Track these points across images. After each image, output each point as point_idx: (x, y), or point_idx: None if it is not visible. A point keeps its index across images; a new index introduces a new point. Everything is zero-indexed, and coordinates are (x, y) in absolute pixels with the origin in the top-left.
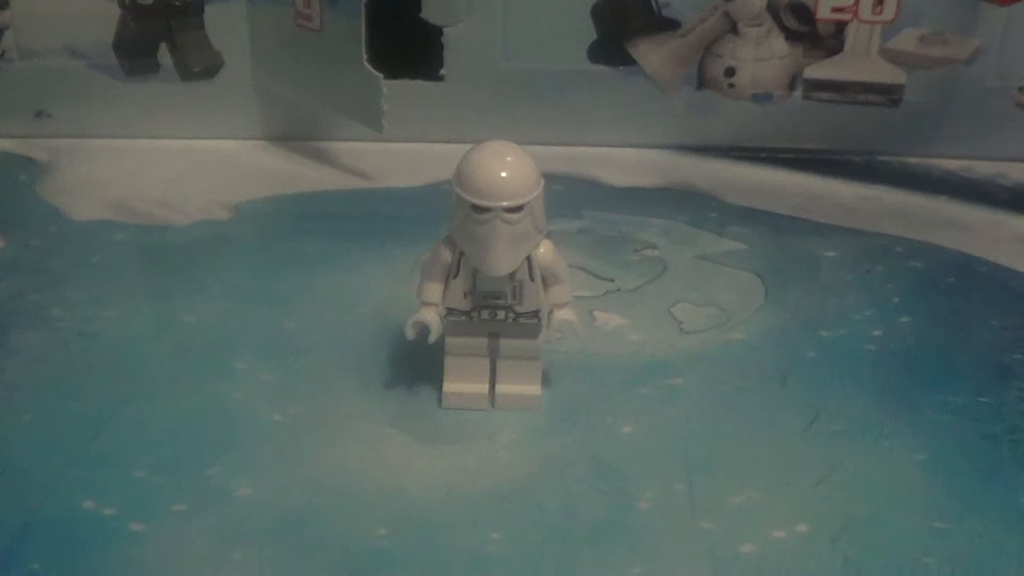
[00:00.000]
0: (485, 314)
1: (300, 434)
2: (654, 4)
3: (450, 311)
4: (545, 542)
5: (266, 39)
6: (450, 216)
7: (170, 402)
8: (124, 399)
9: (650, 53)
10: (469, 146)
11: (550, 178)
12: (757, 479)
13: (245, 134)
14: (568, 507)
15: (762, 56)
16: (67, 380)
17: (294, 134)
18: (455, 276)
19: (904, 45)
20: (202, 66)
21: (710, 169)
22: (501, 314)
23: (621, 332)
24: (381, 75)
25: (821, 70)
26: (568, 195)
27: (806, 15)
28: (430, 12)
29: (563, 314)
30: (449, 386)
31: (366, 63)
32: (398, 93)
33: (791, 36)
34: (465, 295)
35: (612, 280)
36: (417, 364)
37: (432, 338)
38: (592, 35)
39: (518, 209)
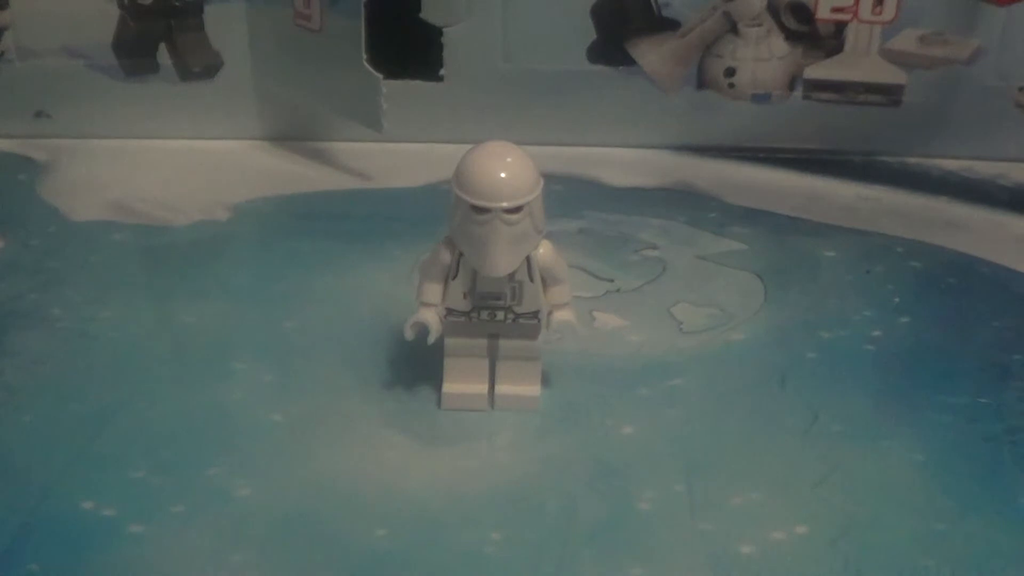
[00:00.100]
0: (484, 315)
1: (300, 434)
2: (654, 4)
3: (449, 312)
4: (545, 543)
5: (266, 39)
6: (449, 216)
7: (170, 402)
8: (124, 399)
9: (650, 53)
10: (469, 146)
11: (550, 178)
12: (757, 480)
13: (245, 134)
14: (568, 508)
15: (762, 56)
16: (67, 380)
17: (294, 134)
18: (454, 277)
19: (904, 45)
20: (202, 66)
21: (710, 169)
22: (500, 315)
23: (621, 333)
24: (381, 75)
25: (821, 70)
26: (568, 195)
27: (806, 15)
28: (430, 12)
29: (562, 315)
30: (448, 387)
31: (366, 63)
32: (398, 93)
33: (791, 36)
34: (464, 296)
35: (612, 280)
36: (416, 365)
37: (431, 339)
38: (592, 35)
39: (517, 210)
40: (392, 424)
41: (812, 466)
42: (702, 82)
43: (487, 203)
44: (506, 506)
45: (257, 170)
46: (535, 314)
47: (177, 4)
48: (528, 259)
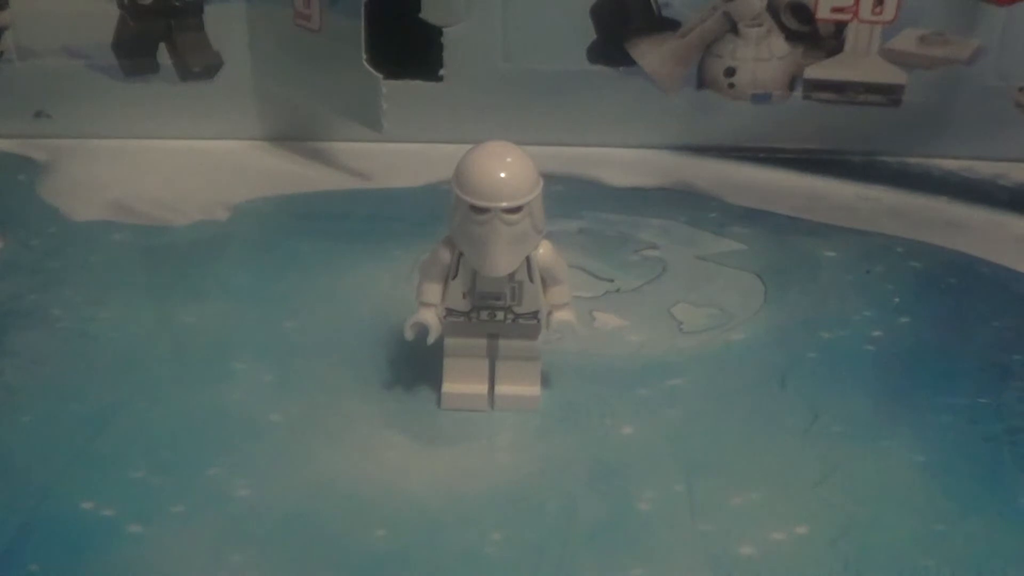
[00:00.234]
0: (484, 315)
1: (300, 434)
2: (654, 4)
3: (449, 312)
4: (545, 543)
5: (266, 39)
6: (449, 217)
7: (169, 402)
8: (124, 399)
9: (650, 53)
10: (469, 146)
11: (550, 178)
12: (756, 480)
13: (245, 134)
14: (568, 508)
15: (762, 56)
16: (66, 380)
17: (294, 134)
18: (454, 277)
19: (904, 45)
20: (201, 66)
21: (710, 169)
22: (500, 315)
23: (621, 333)
24: (380, 75)
25: (821, 70)
26: (568, 195)
27: (806, 15)
28: (430, 12)
29: (562, 315)
30: (448, 387)
31: (365, 63)
32: (398, 93)
33: (791, 36)
34: (464, 296)
35: (612, 280)
36: (416, 365)
37: (431, 339)
38: (592, 35)
39: (517, 210)
40: (392, 424)
41: (812, 466)
42: (702, 82)
43: (487, 203)
44: (506, 506)
45: (257, 170)
46: (535, 314)
47: (177, 4)
48: (528, 259)
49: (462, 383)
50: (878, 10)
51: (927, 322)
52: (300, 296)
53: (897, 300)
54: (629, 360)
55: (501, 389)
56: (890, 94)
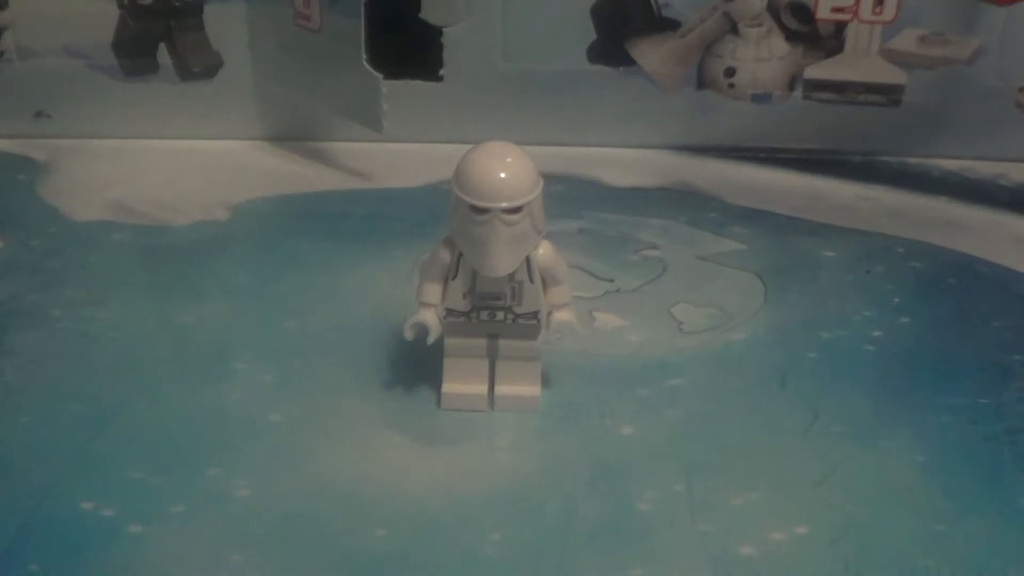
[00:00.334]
0: (484, 315)
1: (300, 434)
2: (654, 4)
3: (449, 312)
4: (545, 543)
5: (266, 39)
6: (449, 217)
7: (169, 403)
8: (123, 399)
9: (650, 53)
10: (469, 146)
11: (550, 178)
12: (756, 480)
13: (245, 134)
14: (568, 508)
15: (762, 56)
16: (66, 380)
17: (294, 134)
18: (454, 277)
19: (904, 45)
20: (201, 66)
21: (710, 169)
22: (500, 315)
23: (621, 333)
24: (380, 75)
25: (821, 70)
26: (568, 195)
27: (806, 15)
28: (430, 12)
29: (562, 315)
30: (448, 387)
31: (365, 63)
32: (398, 93)
33: (791, 36)
34: (464, 296)
35: (612, 280)
36: (416, 365)
37: (431, 339)
38: (592, 35)
39: (517, 210)
40: (392, 424)
41: (812, 466)
42: (702, 82)
43: (487, 203)
44: (506, 506)
45: (257, 170)
46: (535, 314)
47: (177, 4)
48: (528, 259)
49: (462, 383)
50: (878, 10)
51: (927, 322)
52: (300, 296)
53: (897, 300)
54: (629, 360)
55: (501, 389)
56: (890, 94)
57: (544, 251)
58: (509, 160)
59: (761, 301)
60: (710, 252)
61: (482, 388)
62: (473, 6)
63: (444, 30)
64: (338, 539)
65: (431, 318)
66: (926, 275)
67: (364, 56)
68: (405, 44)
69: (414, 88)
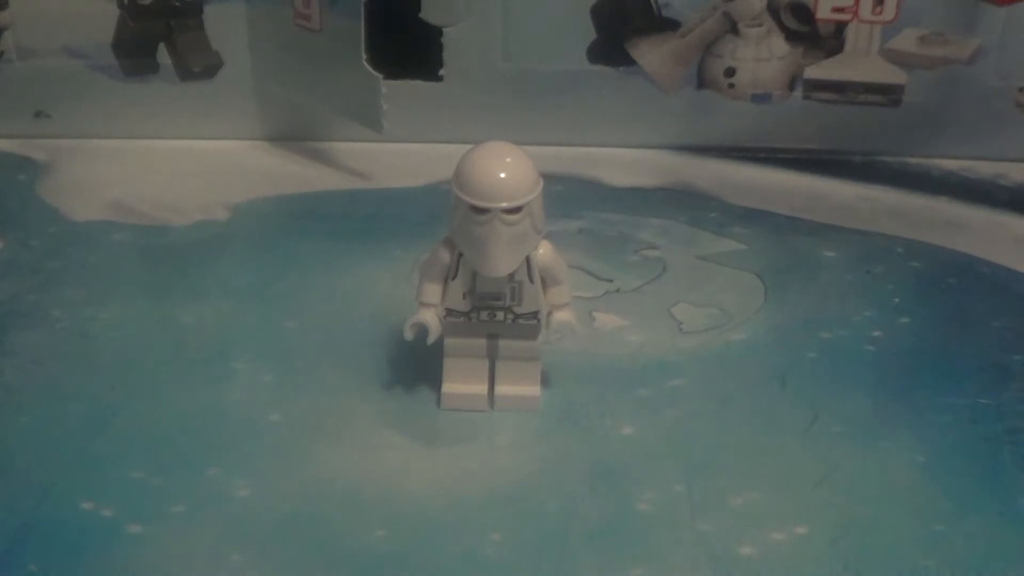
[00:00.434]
0: (484, 315)
1: (300, 434)
2: (654, 4)
3: (449, 312)
4: (545, 543)
5: (266, 39)
6: (449, 217)
7: (169, 403)
8: (123, 400)
9: (650, 53)
10: (469, 146)
11: (550, 178)
12: (756, 480)
13: (245, 134)
14: (567, 508)
15: (762, 56)
16: (66, 380)
17: (294, 134)
18: (454, 277)
19: (904, 45)
20: (201, 66)
21: (710, 169)
22: (500, 315)
23: (621, 333)
24: (380, 75)
25: (821, 70)
26: (568, 195)
27: (806, 15)
28: (430, 12)
29: (562, 315)
30: (448, 387)
31: (365, 63)
32: (398, 93)
33: (791, 36)
34: (464, 296)
35: (612, 280)
36: (416, 365)
37: (431, 339)
38: (592, 35)
39: (517, 210)
40: (392, 424)
41: (812, 466)
42: (702, 82)
43: (487, 203)
44: (506, 507)
45: (257, 170)
46: (535, 314)
47: (177, 4)
48: (528, 259)
49: (462, 383)
50: (878, 10)
51: (927, 322)
52: (300, 296)
53: (897, 300)
54: (629, 360)
55: (501, 389)
56: (890, 94)
57: (544, 251)
58: (509, 160)
59: (761, 301)
60: (710, 252)
61: (482, 388)
62: (473, 6)
63: (444, 30)
64: (338, 539)
65: (431, 318)
66: (926, 275)
67: (364, 56)
68: (405, 44)
69: (414, 88)
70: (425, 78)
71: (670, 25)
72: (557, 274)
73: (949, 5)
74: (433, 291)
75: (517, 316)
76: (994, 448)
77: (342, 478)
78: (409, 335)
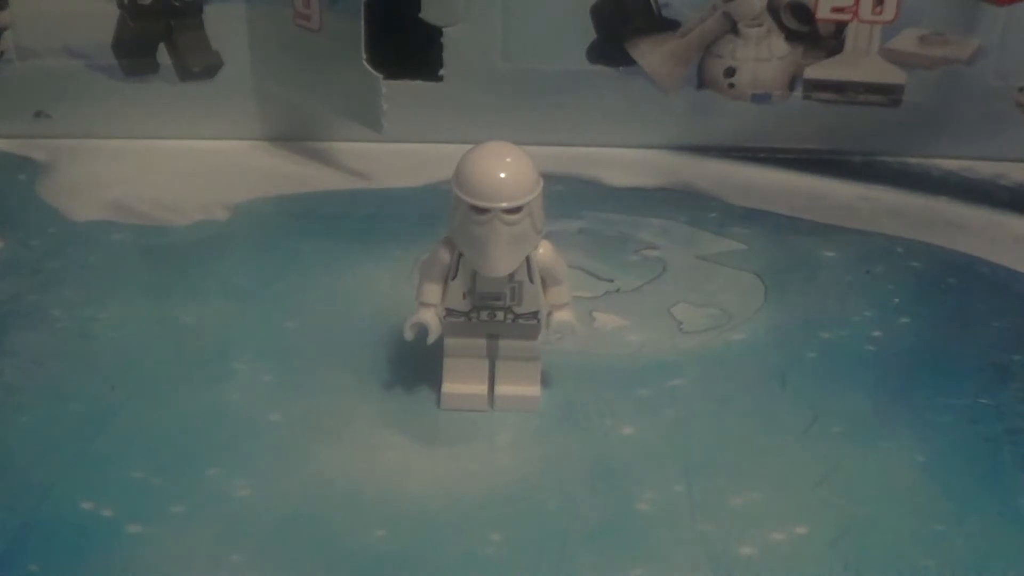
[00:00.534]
0: (484, 315)
1: (300, 434)
2: (654, 4)
3: (449, 312)
4: (544, 543)
5: (266, 39)
6: (449, 217)
7: (169, 403)
8: (123, 400)
9: (650, 53)
10: (469, 146)
11: (550, 178)
12: (756, 480)
13: (245, 134)
14: (567, 508)
15: (762, 56)
16: (66, 380)
17: (294, 134)
18: (454, 277)
19: (904, 45)
20: (201, 66)
21: (710, 169)
22: (500, 315)
23: (621, 333)
24: (380, 75)
25: (821, 70)
26: (568, 195)
27: (806, 15)
28: (429, 12)
29: (562, 315)
30: (448, 387)
31: (365, 63)
32: (398, 93)
33: (791, 36)
34: (464, 296)
35: (612, 280)
36: (416, 365)
37: (431, 339)
38: (592, 35)
39: (517, 210)
40: (392, 424)
41: (812, 466)
42: (702, 82)
43: (487, 203)
44: (506, 506)
45: (257, 170)
46: (535, 314)
47: (177, 4)
48: (528, 259)
49: (462, 383)
50: (878, 10)
51: (927, 322)
52: (300, 296)
53: (897, 300)
54: (629, 360)
55: (501, 389)
56: (890, 94)
57: (544, 251)
58: (509, 160)
59: (761, 301)
60: (710, 252)
61: (482, 388)
62: (473, 6)
63: (444, 30)
64: (338, 539)
65: (431, 318)
66: (926, 275)
67: (364, 56)
68: (405, 44)
69: (414, 88)
70: (425, 78)
71: (670, 25)
72: (557, 274)
73: (949, 5)
74: (433, 291)
75: (517, 316)
76: (994, 448)
77: (342, 478)
78: (409, 335)
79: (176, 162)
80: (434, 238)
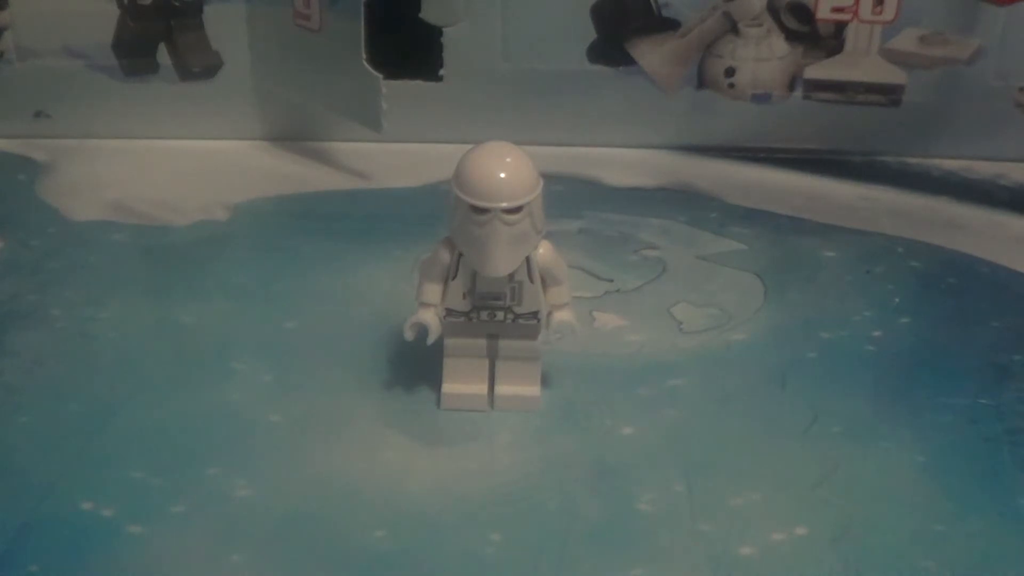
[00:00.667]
0: (484, 315)
1: (300, 434)
2: (654, 4)
3: (449, 312)
4: (544, 543)
5: (266, 39)
6: (449, 217)
7: (169, 403)
8: (123, 399)
9: (650, 53)
10: (469, 146)
11: (550, 178)
12: (756, 481)
13: (245, 134)
14: (567, 508)
15: (762, 56)
16: (66, 380)
17: (294, 134)
18: (454, 277)
19: (904, 45)
20: (201, 66)
21: (710, 169)
22: (500, 315)
23: (621, 333)
24: (380, 75)
25: (821, 70)
26: (568, 195)
27: (806, 15)
28: (430, 12)
29: (562, 315)
30: (448, 387)
31: (365, 63)
32: (398, 93)
33: (791, 36)
34: (464, 296)
35: (612, 280)
36: (416, 365)
37: (431, 339)
38: (592, 35)
39: (517, 210)
40: (392, 424)
41: (812, 466)
42: (702, 82)
43: (487, 203)
44: (506, 506)
45: (257, 170)
46: (535, 314)
47: (177, 4)
48: (528, 259)
49: (462, 383)
50: (878, 10)
51: (927, 322)
52: (300, 296)
53: (897, 300)
54: (629, 360)
55: (501, 389)
56: (890, 94)
57: (544, 251)
58: (509, 160)
59: (761, 301)
60: (710, 252)
61: (482, 388)
62: (473, 6)
63: (444, 30)
64: (338, 539)
65: (431, 318)
66: (926, 275)
67: (364, 56)
68: (405, 44)
69: (414, 88)
70: (425, 78)
71: (670, 25)
72: (557, 274)
73: (949, 5)
74: (433, 291)
75: (517, 316)
76: (994, 448)
77: (342, 478)
78: (409, 335)
79: (176, 162)
80: (434, 238)
